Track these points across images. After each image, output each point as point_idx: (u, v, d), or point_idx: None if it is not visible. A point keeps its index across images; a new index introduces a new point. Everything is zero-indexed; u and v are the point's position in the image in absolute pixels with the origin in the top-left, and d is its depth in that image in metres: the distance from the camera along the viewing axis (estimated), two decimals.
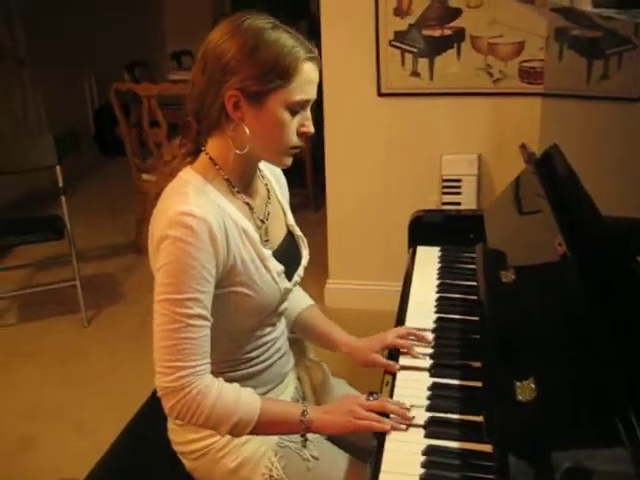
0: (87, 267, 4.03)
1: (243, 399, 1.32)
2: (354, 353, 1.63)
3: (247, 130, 1.31)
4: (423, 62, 3.19)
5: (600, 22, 2.08)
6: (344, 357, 1.65)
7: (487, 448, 1.20)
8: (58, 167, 3.49)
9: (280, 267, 1.45)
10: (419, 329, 1.63)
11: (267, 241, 1.47)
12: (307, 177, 4.88)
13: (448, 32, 3.15)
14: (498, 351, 1.35)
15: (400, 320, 1.72)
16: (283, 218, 1.58)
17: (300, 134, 1.36)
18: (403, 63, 3.20)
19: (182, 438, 1.48)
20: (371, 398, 1.36)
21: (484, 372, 1.39)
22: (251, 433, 1.33)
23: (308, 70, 1.31)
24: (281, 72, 1.28)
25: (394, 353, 1.57)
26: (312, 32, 3.26)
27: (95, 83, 6.72)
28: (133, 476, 1.56)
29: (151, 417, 1.63)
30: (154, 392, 1.73)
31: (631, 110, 1.90)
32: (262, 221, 1.47)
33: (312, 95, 1.34)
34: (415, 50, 3.18)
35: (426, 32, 3.15)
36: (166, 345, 1.27)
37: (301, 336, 1.73)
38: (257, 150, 1.36)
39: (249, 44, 1.28)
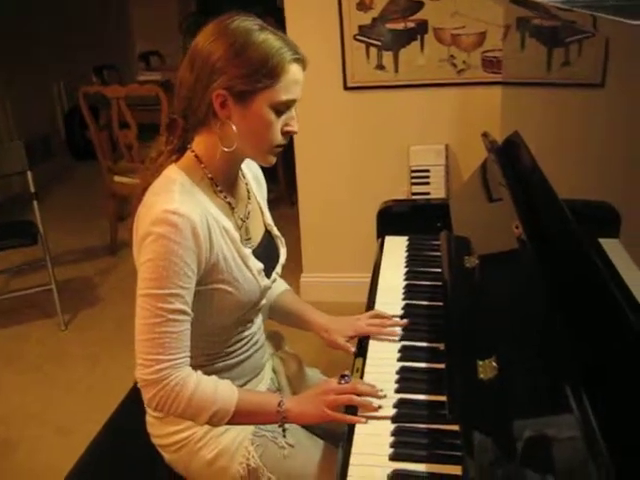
0: (62, 271, 4.03)
1: (220, 390, 1.35)
2: (321, 332, 1.69)
3: (234, 128, 1.35)
4: (388, 55, 3.23)
5: (556, 12, 2.13)
6: (318, 348, 1.69)
7: (454, 427, 1.25)
8: (29, 172, 3.49)
9: (260, 265, 1.48)
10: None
11: (248, 239, 1.51)
12: (280, 173, 4.91)
13: (411, 25, 3.19)
14: (460, 332, 1.40)
15: (370, 308, 1.75)
16: (261, 218, 1.61)
17: (284, 133, 1.39)
18: (368, 57, 3.24)
19: (160, 431, 1.52)
20: (342, 381, 1.40)
21: (447, 353, 1.44)
22: (229, 423, 1.37)
23: (294, 71, 1.34)
24: (268, 72, 1.31)
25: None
26: (280, 28, 3.28)
27: (64, 87, 6.68)
28: (114, 470, 1.58)
29: (130, 413, 1.67)
30: (132, 389, 1.77)
31: (592, 96, 1.95)
32: (242, 220, 1.50)
33: (297, 95, 1.38)
34: (379, 43, 3.22)
35: (389, 25, 3.19)
36: (147, 338, 1.30)
37: (278, 321, 1.77)
38: (243, 148, 1.39)
39: (237, 45, 1.30)
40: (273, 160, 1.44)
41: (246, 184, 1.58)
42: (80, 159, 6.50)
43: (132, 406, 1.69)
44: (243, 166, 1.56)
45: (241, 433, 1.47)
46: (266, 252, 1.56)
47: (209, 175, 1.42)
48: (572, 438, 0.90)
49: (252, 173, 1.63)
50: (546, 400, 1.05)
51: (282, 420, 1.39)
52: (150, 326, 1.30)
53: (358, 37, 3.22)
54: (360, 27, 3.20)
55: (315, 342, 1.73)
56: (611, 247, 1.81)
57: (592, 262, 1.21)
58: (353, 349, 1.60)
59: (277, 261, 1.61)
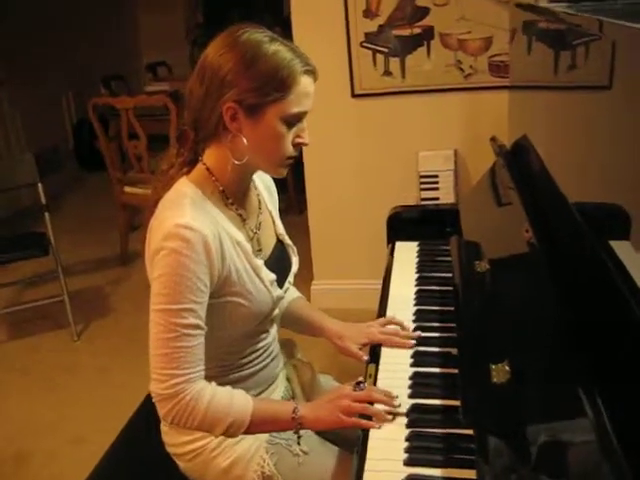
0: (74, 282, 4.05)
1: (235, 401, 1.35)
2: (334, 339, 1.67)
3: (245, 141, 1.34)
4: (394, 61, 3.24)
5: (562, 16, 2.13)
6: (330, 355, 1.69)
7: (468, 431, 1.25)
8: (40, 184, 3.52)
9: (272, 276, 1.49)
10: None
11: (259, 251, 1.51)
12: (288, 181, 4.92)
13: (417, 31, 3.20)
14: (472, 336, 1.40)
15: (381, 315, 1.76)
16: (273, 227, 1.61)
17: (295, 145, 1.39)
18: (375, 63, 3.25)
19: (175, 440, 1.52)
20: (357, 388, 1.40)
21: (459, 357, 1.44)
22: (245, 433, 1.37)
23: (305, 83, 1.34)
24: (278, 85, 1.30)
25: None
26: (287, 37, 3.29)
27: (73, 99, 6.73)
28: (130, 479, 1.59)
29: (145, 421, 1.67)
30: (146, 397, 1.78)
31: (600, 98, 1.94)
32: (254, 232, 1.50)
33: (308, 107, 1.37)
34: (386, 50, 3.23)
35: (396, 32, 3.20)
36: (161, 353, 1.30)
37: (290, 328, 1.77)
38: (254, 160, 1.39)
39: (247, 57, 1.30)
40: (284, 172, 1.44)
41: (257, 195, 1.57)
42: (89, 170, 6.54)
43: (147, 415, 1.70)
44: (255, 176, 1.55)
45: (256, 441, 1.47)
46: (278, 262, 1.56)
47: (220, 188, 1.42)
48: (586, 442, 0.90)
49: (264, 183, 1.63)
50: (560, 404, 1.05)
51: (298, 427, 1.38)
52: (164, 341, 1.30)
53: (365, 44, 3.23)
54: (366, 34, 3.21)
55: (327, 349, 1.73)
56: (622, 249, 1.82)
57: (603, 264, 1.21)
58: (366, 357, 1.59)
59: (289, 270, 1.62)
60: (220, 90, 1.31)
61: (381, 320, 1.70)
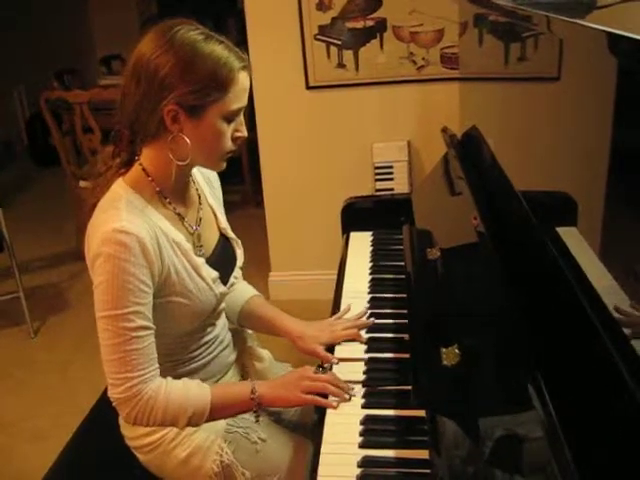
0: (30, 278, 3.99)
1: (192, 394, 1.38)
2: (296, 340, 1.64)
3: (188, 141, 1.34)
4: (348, 54, 3.26)
5: (510, 9, 2.18)
6: (288, 344, 1.70)
7: (421, 413, 1.29)
8: None
9: (215, 273, 1.49)
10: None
11: (200, 247, 1.51)
12: (245, 174, 4.92)
13: (370, 23, 3.23)
14: (423, 321, 1.44)
15: (336, 304, 1.79)
16: (215, 222, 1.61)
17: (235, 139, 1.40)
18: (329, 56, 3.27)
19: (133, 433, 1.53)
20: (318, 372, 1.44)
21: (411, 341, 1.48)
22: (209, 420, 1.40)
23: (242, 79, 1.35)
24: (218, 85, 1.31)
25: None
26: (241, 29, 3.30)
27: (25, 93, 6.62)
28: (89, 473, 1.60)
29: (103, 416, 1.67)
30: (104, 392, 1.78)
31: (549, 89, 1.99)
32: (194, 228, 1.50)
33: (245, 102, 1.39)
34: (339, 42, 3.25)
35: (349, 24, 3.22)
36: (113, 358, 1.31)
37: (248, 327, 1.77)
38: (195, 158, 1.40)
39: (184, 60, 1.29)
40: (224, 166, 1.46)
41: (197, 189, 1.57)
42: (43, 165, 6.43)
43: (104, 409, 1.71)
44: (194, 170, 1.56)
45: (213, 431, 1.49)
46: (222, 257, 1.56)
47: (157, 188, 1.41)
48: (531, 421, 0.95)
49: (203, 176, 1.63)
50: (506, 385, 1.09)
51: (257, 406, 1.42)
52: (115, 346, 1.31)
53: (318, 37, 3.25)
54: (320, 27, 3.23)
55: (285, 340, 1.75)
56: (569, 235, 1.87)
57: (548, 250, 1.26)
58: (335, 360, 1.54)
59: (234, 264, 1.62)
60: (159, 93, 1.30)
61: (339, 315, 1.71)
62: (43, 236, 4.85)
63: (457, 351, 1.25)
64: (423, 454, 1.21)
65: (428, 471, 1.16)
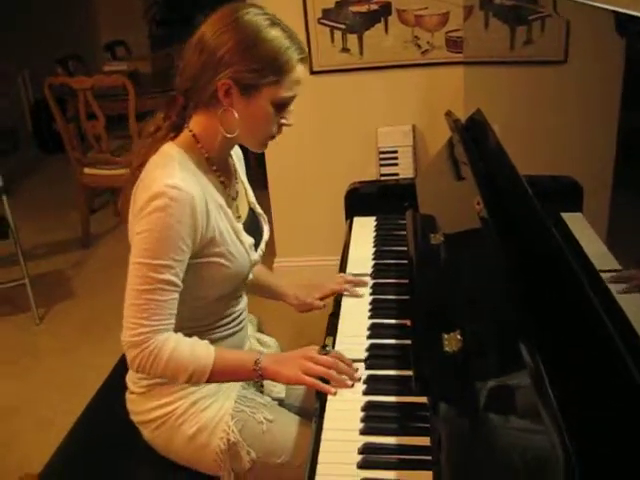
0: (35, 265, 4.00)
1: (197, 352, 1.40)
2: (297, 301, 1.83)
3: (236, 115, 1.39)
4: (352, 38, 3.24)
5: None
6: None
7: (422, 399, 1.28)
8: None
9: (251, 240, 1.56)
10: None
11: (239, 217, 1.56)
12: (250, 157, 4.90)
13: (375, 7, 3.20)
14: (425, 307, 1.43)
15: None
16: (245, 196, 1.67)
17: (280, 125, 1.46)
18: (333, 40, 3.25)
19: (142, 407, 1.55)
20: (322, 352, 1.44)
21: (412, 327, 1.47)
22: (210, 381, 1.42)
23: (299, 70, 1.40)
24: (275, 70, 1.36)
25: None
26: None
27: (30, 79, 6.61)
28: (93, 458, 1.60)
29: (107, 402, 1.69)
30: (109, 376, 1.79)
31: (555, 72, 1.97)
32: (233, 198, 1.56)
33: (298, 93, 1.43)
34: (343, 27, 3.22)
35: (353, 8, 3.20)
36: (134, 303, 1.35)
37: (252, 292, 1.81)
38: (240, 134, 1.44)
39: (247, 40, 1.34)
40: (265, 148, 1.51)
41: (234, 164, 1.63)
42: (48, 152, 6.43)
43: (109, 394, 1.71)
44: None
45: (221, 409, 1.51)
46: (252, 229, 1.61)
47: (206, 154, 1.47)
48: (532, 406, 0.94)
49: (236, 154, 1.68)
50: (508, 370, 1.08)
51: (259, 377, 1.44)
52: (138, 292, 1.35)
53: (322, 21, 3.23)
54: (324, 11, 3.21)
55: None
56: (574, 221, 1.86)
57: (552, 236, 1.25)
58: (322, 304, 1.79)
59: (262, 237, 1.67)
60: (217, 67, 1.36)
61: (338, 279, 1.81)
62: (48, 223, 4.85)
63: (459, 337, 1.24)
64: (424, 441, 1.20)
65: (429, 458, 1.15)
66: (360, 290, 1.76)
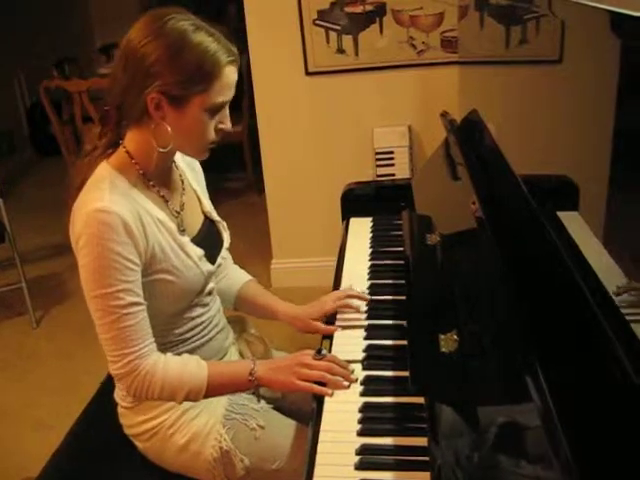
0: (32, 268, 3.99)
1: (189, 370, 1.39)
2: (294, 321, 1.69)
3: (169, 129, 1.36)
4: (347, 39, 3.24)
5: None
6: (285, 332, 1.70)
7: (419, 400, 1.28)
8: None
9: (200, 251, 1.51)
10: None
11: (183, 231, 1.51)
12: (247, 161, 4.90)
13: (370, 8, 3.20)
14: (422, 307, 1.43)
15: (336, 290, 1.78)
16: (199, 206, 1.62)
17: (218, 131, 1.42)
18: (328, 41, 3.25)
19: (132, 420, 1.54)
20: (318, 356, 1.43)
21: (409, 327, 1.47)
22: (206, 397, 1.41)
23: (228, 74, 1.36)
24: (203, 77, 1.32)
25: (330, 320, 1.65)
26: (242, 16, 3.27)
27: (25, 82, 6.60)
28: (89, 462, 1.59)
29: (103, 406, 1.68)
30: (103, 382, 1.79)
31: (551, 71, 1.97)
32: (178, 212, 1.51)
33: (231, 96, 1.40)
34: (339, 28, 3.22)
35: (348, 9, 3.20)
36: (108, 337, 1.34)
37: (244, 312, 1.79)
38: (177, 146, 1.42)
39: (172, 48, 1.30)
40: (206, 155, 1.47)
41: (180, 175, 1.58)
42: (44, 154, 6.42)
43: (104, 399, 1.71)
44: (176, 157, 1.57)
45: (212, 417, 1.50)
46: (208, 239, 1.58)
47: (141, 171, 1.43)
48: (529, 407, 0.94)
49: (186, 162, 1.64)
50: (504, 371, 1.08)
51: (255, 387, 1.43)
52: (108, 324, 1.33)
53: (317, 22, 3.23)
54: (319, 12, 3.21)
55: (282, 326, 1.75)
56: (570, 220, 1.86)
57: (548, 235, 1.24)
58: (338, 329, 1.60)
59: (221, 246, 1.64)
60: (145, 80, 1.32)
61: (339, 294, 1.71)
62: (44, 226, 4.83)
63: (455, 337, 1.24)
64: (422, 441, 1.20)
65: (427, 458, 1.15)
66: (361, 304, 1.68)
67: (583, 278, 1.08)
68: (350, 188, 2.23)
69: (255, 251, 3.73)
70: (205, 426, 1.48)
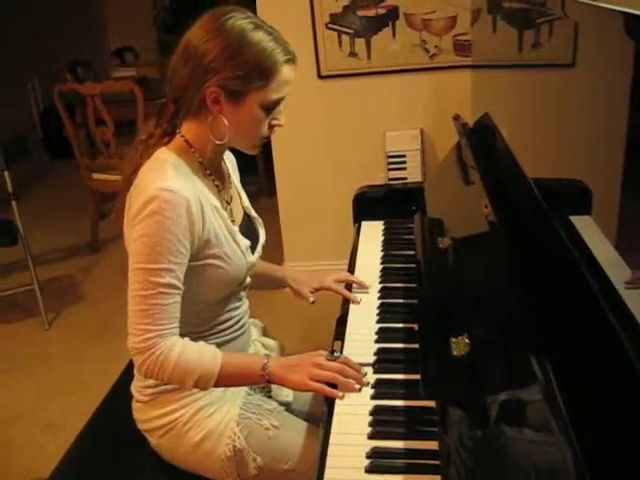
0: (44, 270, 4.01)
1: (204, 357, 1.40)
2: (294, 283, 1.85)
3: (226, 122, 1.40)
4: (360, 42, 3.25)
5: None
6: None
7: (430, 403, 1.28)
8: (6, 172, 3.47)
9: (247, 242, 1.56)
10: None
11: (233, 221, 1.56)
12: (258, 164, 4.91)
13: (382, 11, 3.21)
14: (433, 310, 1.42)
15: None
16: (239, 201, 1.67)
17: (271, 126, 1.46)
18: (340, 45, 3.26)
19: (147, 415, 1.54)
20: (331, 357, 1.43)
21: (420, 330, 1.47)
22: (216, 386, 1.42)
23: (285, 72, 1.39)
24: (261, 74, 1.36)
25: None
26: None
27: (39, 86, 6.65)
28: (101, 463, 1.60)
29: (115, 406, 1.69)
30: (115, 383, 1.79)
31: (564, 75, 1.96)
32: (227, 202, 1.56)
33: (286, 93, 1.43)
34: (351, 31, 3.23)
35: (361, 13, 3.21)
36: (138, 309, 1.35)
37: (255, 285, 1.79)
38: (232, 139, 1.45)
39: (231, 46, 1.34)
40: (257, 150, 1.52)
41: (227, 169, 1.63)
42: (58, 158, 6.46)
43: (116, 400, 1.71)
44: None
45: (227, 415, 1.50)
46: (248, 232, 1.61)
47: (199, 159, 1.48)
48: (541, 410, 0.93)
49: (228, 159, 1.69)
50: (516, 374, 1.08)
51: (266, 382, 1.44)
52: (141, 298, 1.35)
53: (330, 26, 3.24)
54: (331, 15, 3.22)
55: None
56: (583, 224, 1.85)
57: (561, 239, 1.24)
58: (312, 299, 1.81)
59: (258, 241, 1.67)
60: (204, 75, 1.36)
61: (340, 275, 1.83)
62: (57, 228, 4.87)
63: (467, 341, 1.23)
64: (433, 445, 1.19)
65: (437, 462, 1.15)
66: (358, 297, 1.74)
67: (595, 282, 1.08)
68: (362, 191, 2.24)
69: (267, 254, 3.71)
70: (220, 424, 1.49)
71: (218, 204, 1.48)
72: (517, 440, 0.99)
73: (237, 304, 1.61)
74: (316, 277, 1.84)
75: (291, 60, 1.41)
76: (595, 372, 0.94)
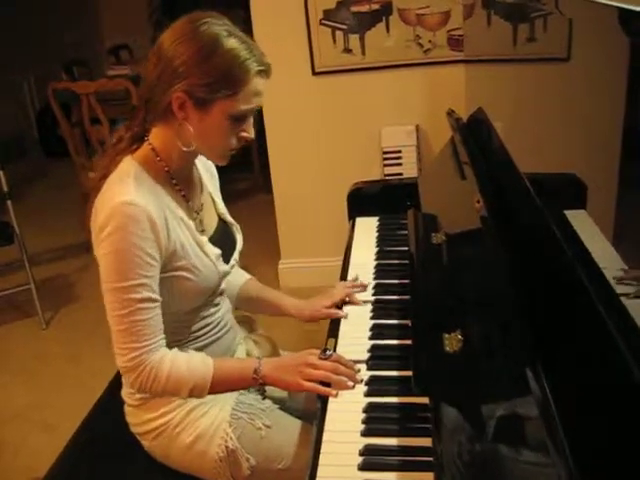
0: (41, 270, 4.01)
1: (195, 367, 1.40)
2: (301, 312, 1.75)
3: (191, 129, 1.37)
4: (354, 38, 3.23)
5: None
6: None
7: (424, 400, 1.27)
8: (1, 172, 3.46)
9: (217, 251, 1.52)
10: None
11: (202, 231, 1.53)
12: (254, 161, 4.91)
13: (376, 7, 3.19)
14: (426, 306, 1.42)
15: None
16: (214, 207, 1.64)
17: (240, 138, 1.42)
18: (334, 41, 3.24)
19: (139, 419, 1.54)
20: (323, 356, 1.43)
21: (413, 327, 1.46)
22: (211, 393, 1.42)
23: (257, 83, 1.35)
24: (229, 83, 1.32)
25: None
26: (248, 19, 3.27)
27: (35, 86, 6.63)
28: (96, 462, 1.59)
29: (110, 406, 1.68)
30: (110, 383, 1.79)
31: (558, 69, 1.96)
32: (196, 212, 1.53)
33: (257, 105, 1.39)
34: (345, 27, 3.22)
35: (354, 8, 3.19)
36: (120, 329, 1.35)
37: (246, 310, 1.80)
38: (198, 147, 1.42)
39: (203, 51, 1.31)
40: (226, 161, 1.47)
41: (199, 177, 1.60)
42: (54, 157, 6.44)
43: (111, 400, 1.71)
44: (196, 160, 1.58)
45: (219, 416, 1.49)
46: (222, 240, 1.59)
47: (165, 168, 1.45)
48: (533, 407, 0.93)
49: (204, 165, 1.65)
50: (509, 370, 1.07)
51: (260, 385, 1.44)
52: (120, 317, 1.34)
53: (324, 22, 3.22)
54: (325, 11, 3.20)
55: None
56: (578, 218, 1.84)
57: (555, 234, 1.23)
58: (343, 313, 1.67)
59: (234, 248, 1.64)
60: (172, 79, 1.33)
61: (347, 284, 1.77)
62: (53, 228, 4.86)
63: (460, 337, 1.23)
64: (426, 442, 1.19)
65: (431, 459, 1.14)
66: (359, 296, 1.73)
67: (589, 277, 1.07)
68: (356, 187, 2.23)
69: (263, 251, 3.72)
70: (211, 425, 1.48)
71: (184, 215, 1.45)
72: (510, 438, 0.99)
73: (213, 310, 1.59)
74: (324, 296, 1.74)
75: (264, 72, 1.37)
76: (587, 368, 0.94)
